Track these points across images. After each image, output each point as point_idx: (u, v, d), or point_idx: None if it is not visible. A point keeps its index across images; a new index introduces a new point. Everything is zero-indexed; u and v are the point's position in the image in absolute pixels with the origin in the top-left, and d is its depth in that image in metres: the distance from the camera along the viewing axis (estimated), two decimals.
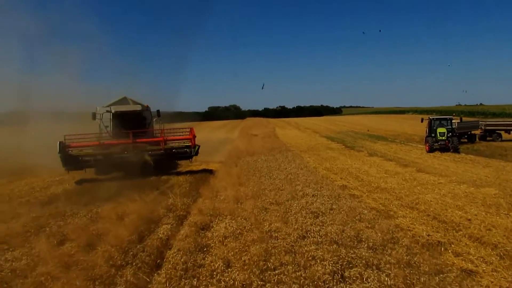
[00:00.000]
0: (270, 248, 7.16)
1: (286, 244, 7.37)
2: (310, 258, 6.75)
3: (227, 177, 15.77)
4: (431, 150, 26.88)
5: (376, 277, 6.10)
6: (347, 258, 6.71)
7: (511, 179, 16.27)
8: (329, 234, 7.80)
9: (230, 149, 30.06)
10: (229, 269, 6.53)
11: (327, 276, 6.12)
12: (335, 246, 7.20)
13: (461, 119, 32.26)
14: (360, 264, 6.53)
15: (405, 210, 11.16)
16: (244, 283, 6.04)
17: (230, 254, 6.92)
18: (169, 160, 20.41)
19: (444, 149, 26.72)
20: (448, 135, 27.11)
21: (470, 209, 11.07)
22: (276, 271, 6.32)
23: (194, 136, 19.02)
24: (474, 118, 60.80)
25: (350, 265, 6.51)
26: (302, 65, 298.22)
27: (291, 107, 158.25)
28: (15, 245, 8.30)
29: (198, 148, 19.34)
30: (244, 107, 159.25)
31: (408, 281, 6.01)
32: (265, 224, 8.68)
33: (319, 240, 7.54)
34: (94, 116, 20.19)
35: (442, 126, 27.98)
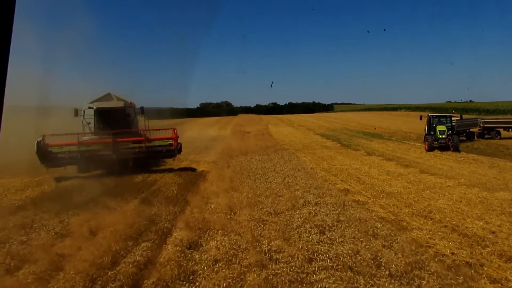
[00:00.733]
0: (270, 277, 5.85)
1: (290, 270, 6.05)
2: None
3: (218, 180, 14.43)
4: (430, 148, 25.82)
5: None
6: None
7: None
8: (341, 257, 6.50)
9: (222, 148, 28.66)
10: None
11: None
12: (349, 273, 5.91)
13: (461, 117, 31.26)
14: None
15: (419, 219, 9.94)
16: None
17: (222, 286, 5.58)
18: (152, 158, 19.70)
19: (444, 147, 25.67)
20: (448, 133, 26.04)
21: (491, 219, 9.90)
22: None
23: (177, 137, 18.51)
24: (470, 115, 60.09)
25: None
26: (293, 61, 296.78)
27: (283, 104, 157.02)
28: None
29: (181, 146, 18.86)
30: (236, 103, 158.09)
31: None
32: (264, 242, 7.36)
33: (330, 264, 6.25)
34: (76, 112, 19.52)
35: (441, 123, 26.92)
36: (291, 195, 11.45)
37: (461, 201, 11.96)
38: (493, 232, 8.89)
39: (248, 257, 6.59)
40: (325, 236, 7.65)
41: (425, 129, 28.03)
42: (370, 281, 5.68)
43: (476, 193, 13.10)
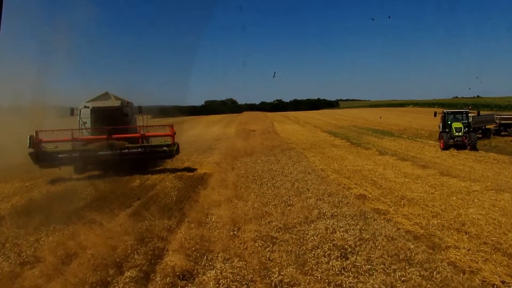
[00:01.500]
0: None
1: None
2: None
3: (221, 186, 13.10)
4: (446, 147, 24.31)
5: None
6: None
7: None
8: None
9: (226, 147, 27.35)
10: None
11: None
12: None
13: (478, 113, 29.64)
14: None
15: (452, 234, 8.55)
16: None
17: None
18: (149, 159, 18.80)
19: (460, 146, 24.16)
20: (465, 130, 24.51)
21: None
22: None
23: (174, 133, 17.82)
24: (483, 111, 58.24)
25: None
26: (298, 58, 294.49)
27: (288, 101, 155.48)
28: None
29: (178, 147, 18.05)
30: (241, 100, 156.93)
31: None
32: (274, 271, 5.99)
33: None
34: (72, 111, 19.12)
35: (457, 120, 25.37)
36: (302, 204, 10.07)
37: (494, 209, 10.57)
38: None
39: None
40: (348, 262, 6.27)
41: (439, 126, 26.56)
42: None
43: (509, 199, 11.69)
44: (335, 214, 9.00)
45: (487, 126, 31.46)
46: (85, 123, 19.13)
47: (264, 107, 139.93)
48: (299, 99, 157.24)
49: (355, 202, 10.56)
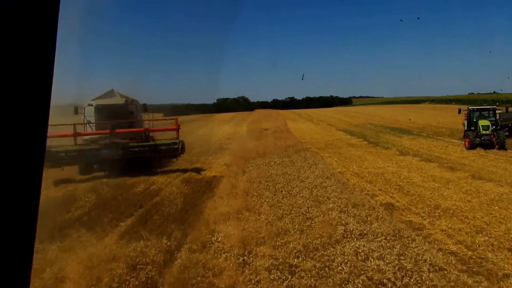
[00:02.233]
0: None
1: None
2: None
3: (230, 194, 11.77)
4: (472, 146, 22.59)
5: None
6: None
7: None
8: None
9: (237, 148, 26.05)
10: None
11: None
12: None
13: (506, 109, 27.75)
14: None
15: (507, 257, 7.08)
16: None
17: None
18: (153, 158, 18.03)
19: (488, 145, 22.42)
20: (492, 128, 22.76)
21: None
22: None
23: (179, 127, 17.18)
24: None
25: None
26: (310, 55, 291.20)
27: (300, 98, 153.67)
28: None
29: (184, 145, 17.35)
30: (253, 98, 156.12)
31: None
32: None
33: None
34: (76, 110, 18.53)
35: (484, 117, 23.66)
36: (324, 218, 8.67)
37: None
38: None
39: None
40: None
41: (463, 124, 24.84)
42: None
43: None
44: (364, 232, 7.58)
45: None
46: (89, 121, 18.48)
47: (276, 104, 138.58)
48: (312, 96, 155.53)
49: (385, 216, 9.11)
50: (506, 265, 6.72)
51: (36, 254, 7.68)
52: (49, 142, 16.83)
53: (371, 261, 6.18)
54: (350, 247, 6.75)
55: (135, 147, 17.29)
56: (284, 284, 5.65)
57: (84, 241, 7.87)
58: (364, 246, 6.81)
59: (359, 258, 6.34)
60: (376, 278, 5.60)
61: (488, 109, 24.75)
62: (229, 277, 5.87)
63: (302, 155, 20.56)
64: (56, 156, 16.40)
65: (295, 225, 8.26)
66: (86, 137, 17.83)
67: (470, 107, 25.33)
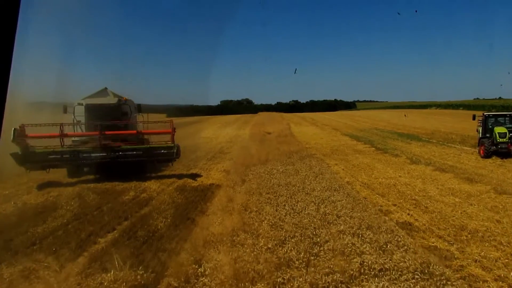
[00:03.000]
0: None
1: None
2: None
3: (226, 208, 10.36)
4: (487, 155, 21.21)
5: None
6: None
7: None
8: None
9: (238, 153, 24.72)
10: None
11: None
12: None
13: None
14: None
15: None
16: None
17: None
18: (146, 163, 16.88)
19: (504, 153, 21.02)
20: (510, 135, 21.35)
21: None
22: None
23: (174, 130, 15.82)
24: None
25: None
26: (314, 58, 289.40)
27: (304, 102, 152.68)
28: None
29: (179, 149, 16.06)
30: (257, 101, 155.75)
31: None
32: None
33: None
34: (65, 109, 17.30)
35: (500, 124, 22.31)
36: (334, 243, 7.26)
37: None
38: None
39: None
40: None
41: (477, 131, 23.44)
42: None
43: None
44: (386, 266, 6.15)
45: None
46: (79, 121, 17.29)
47: (280, 107, 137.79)
48: (316, 100, 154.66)
49: (407, 241, 7.69)
50: None
51: None
52: (34, 143, 15.66)
53: None
54: None
55: (127, 150, 16.02)
56: None
57: (46, 267, 6.52)
58: (387, 286, 5.42)
59: None
60: None
61: (505, 115, 23.44)
62: None
63: (307, 162, 19.17)
64: (41, 157, 15.40)
65: (300, 253, 6.85)
66: (74, 138, 16.55)
67: (485, 113, 23.97)
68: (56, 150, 15.53)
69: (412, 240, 8.08)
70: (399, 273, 5.96)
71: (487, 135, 22.16)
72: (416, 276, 5.80)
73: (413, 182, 15.30)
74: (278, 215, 9.49)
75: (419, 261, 6.39)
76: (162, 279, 6.12)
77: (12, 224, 10.56)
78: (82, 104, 17.27)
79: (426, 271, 6.06)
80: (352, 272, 5.99)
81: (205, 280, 5.92)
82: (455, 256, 7.44)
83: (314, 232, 8.08)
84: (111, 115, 17.14)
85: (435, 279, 5.79)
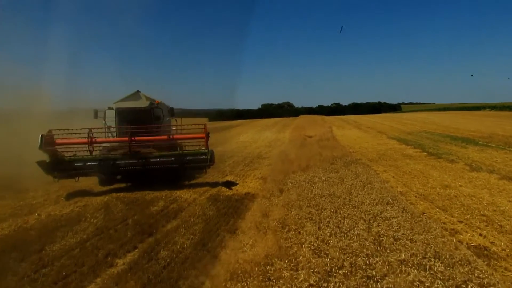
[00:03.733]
0: None
1: None
2: None
3: (260, 226, 8.91)
4: None
5: None
6: None
7: None
8: None
9: (277, 158, 23.27)
10: None
11: None
12: None
13: None
14: None
15: None
16: None
17: None
18: (178, 170, 15.82)
19: None
20: None
21: None
22: None
23: (208, 134, 14.94)
24: None
25: None
26: (357, 60, 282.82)
27: (346, 104, 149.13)
28: None
29: (213, 155, 15.02)
30: (298, 104, 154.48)
31: None
32: None
33: None
34: (96, 114, 16.62)
35: None
36: (396, 280, 5.63)
37: None
38: None
39: None
40: None
41: None
42: None
43: None
44: None
45: None
46: (110, 126, 16.57)
47: (322, 110, 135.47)
48: (358, 102, 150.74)
49: (490, 277, 5.93)
50: None
51: None
52: (62, 150, 15.05)
53: None
54: None
55: (157, 157, 15.08)
56: None
57: None
58: None
59: None
60: None
61: None
62: None
63: (352, 169, 17.37)
64: (68, 165, 14.79)
65: None
66: (104, 144, 15.79)
67: None
68: (84, 158, 14.89)
69: (495, 273, 6.28)
70: None
71: None
72: None
73: (478, 193, 13.20)
74: (321, 235, 7.92)
75: None
76: None
77: (29, 240, 9.74)
78: (112, 108, 16.62)
79: None
80: None
81: None
82: None
83: (367, 261, 6.47)
84: (143, 119, 16.33)
85: None
